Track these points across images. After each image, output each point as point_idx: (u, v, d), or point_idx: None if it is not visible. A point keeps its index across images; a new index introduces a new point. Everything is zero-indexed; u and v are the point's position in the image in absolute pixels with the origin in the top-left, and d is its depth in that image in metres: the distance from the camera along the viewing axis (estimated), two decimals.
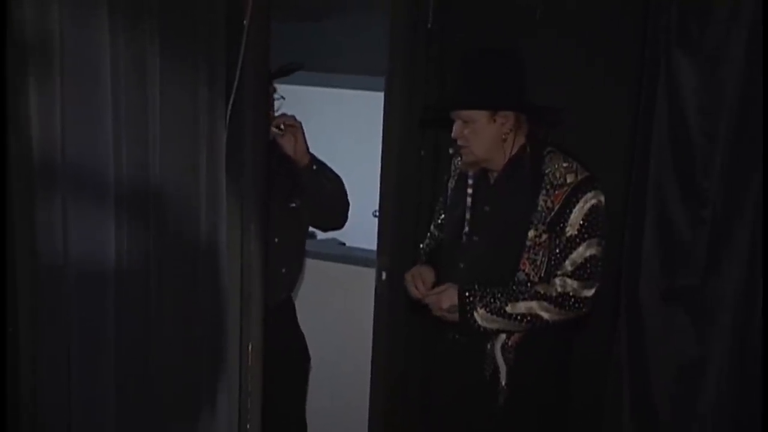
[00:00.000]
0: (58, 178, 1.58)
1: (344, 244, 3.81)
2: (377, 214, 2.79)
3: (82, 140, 1.61)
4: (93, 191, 1.66)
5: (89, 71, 1.61)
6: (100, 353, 1.72)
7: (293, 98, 2.54)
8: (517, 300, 2.15)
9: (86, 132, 1.61)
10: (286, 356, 2.65)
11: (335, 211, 2.67)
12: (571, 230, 2.14)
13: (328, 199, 2.60)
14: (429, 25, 2.70)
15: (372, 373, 2.77)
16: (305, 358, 2.84)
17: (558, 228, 2.15)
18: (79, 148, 1.60)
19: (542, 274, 2.18)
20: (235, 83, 1.98)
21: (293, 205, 2.66)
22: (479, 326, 2.18)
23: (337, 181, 2.61)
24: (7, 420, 1.58)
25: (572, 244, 2.14)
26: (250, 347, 2.12)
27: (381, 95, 2.70)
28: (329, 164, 2.64)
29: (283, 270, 2.63)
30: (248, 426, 2.15)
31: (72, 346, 1.67)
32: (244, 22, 1.96)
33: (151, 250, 1.81)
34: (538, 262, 2.18)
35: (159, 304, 1.86)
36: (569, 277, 2.14)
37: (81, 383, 1.70)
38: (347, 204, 2.67)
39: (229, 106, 1.98)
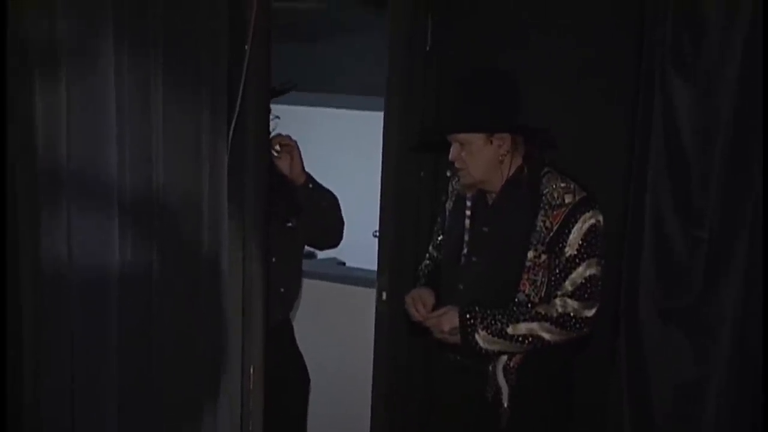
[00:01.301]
0: (63, 197, 1.59)
1: (344, 263, 3.82)
2: (377, 234, 2.80)
3: (86, 162, 1.63)
4: (97, 213, 1.67)
5: (94, 96, 1.63)
6: (102, 369, 1.72)
7: (292, 118, 2.56)
8: (518, 321, 2.15)
9: (91, 154, 1.63)
10: (285, 378, 2.64)
11: (331, 229, 2.69)
12: (570, 250, 2.15)
13: (324, 216, 2.62)
14: (427, 47, 2.73)
15: (373, 395, 2.76)
16: (305, 379, 2.83)
17: (557, 248, 2.16)
18: (83, 169, 1.62)
19: (542, 295, 2.19)
20: (237, 106, 2.00)
21: (290, 224, 2.67)
22: (481, 348, 2.18)
23: (332, 198, 2.64)
24: (10, 426, 1.58)
25: (572, 264, 2.15)
26: (251, 369, 2.12)
27: (381, 115, 2.72)
28: (328, 184, 2.66)
29: (282, 290, 2.63)
30: None
31: (74, 360, 1.68)
32: (246, 47, 1.99)
33: (154, 270, 1.82)
34: (538, 283, 2.19)
35: (161, 323, 1.86)
36: (570, 297, 2.15)
37: (83, 404, 1.70)
38: (342, 222, 2.69)
39: (231, 129, 2.00)
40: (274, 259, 2.47)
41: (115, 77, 1.67)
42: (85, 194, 1.64)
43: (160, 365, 1.87)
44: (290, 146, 2.51)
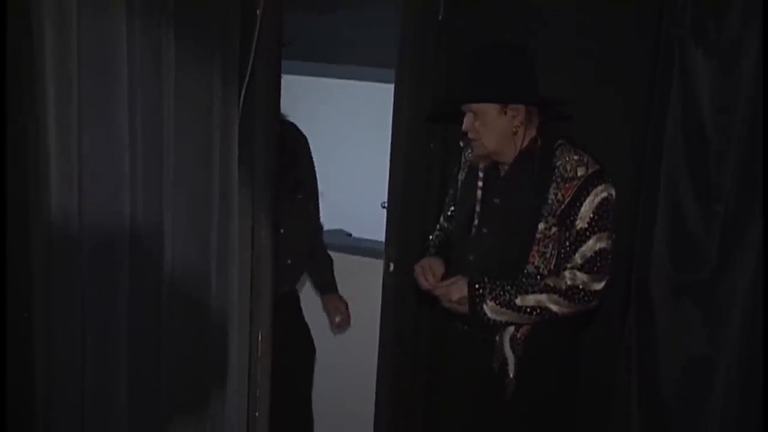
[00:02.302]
0: (74, 163, 1.58)
1: (350, 235, 3.80)
2: (386, 205, 2.80)
3: (98, 129, 1.62)
4: (109, 177, 1.66)
5: (106, 61, 1.61)
6: (112, 346, 1.72)
7: (303, 89, 2.55)
8: (526, 293, 2.15)
9: (103, 122, 1.62)
10: (292, 349, 2.66)
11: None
12: (581, 223, 2.15)
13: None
14: (440, 17, 2.69)
15: (379, 365, 2.77)
16: (311, 350, 2.85)
17: (568, 221, 2.15)
18: (95, 136, 1.61)
19: (552, 267, 2.18)
20: (248, 72, 1.98)
21: (300, 196, 2.67)
22: (489, 318, 2.18)
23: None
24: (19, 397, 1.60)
25: (582, 237, 2.15)
26: (260, 336, 2.13)
27: (391, 87, 2.70)
28: (338, 155, 2.68)
29: (288, 261, 2.63)
30: (257, 414, 2.16)
31: (85, 329, 1.68)
32: (258, 12, 1.96)
33: (165, 234, 1.82)
34: (548, 255, 2.18)
35: (171, 287, 1.87)
36: (579, 270, 2.15)
37: (93, 378, 1.70)
38: None
39: (242, 95, 1.98)
40: (282, 230, 2.47)
41: (127, 46, 1.65)
42: (97, 161, 1.63)
43: (169, 330, 1.87)
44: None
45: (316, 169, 2.81)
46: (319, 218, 2.91)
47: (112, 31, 1.61)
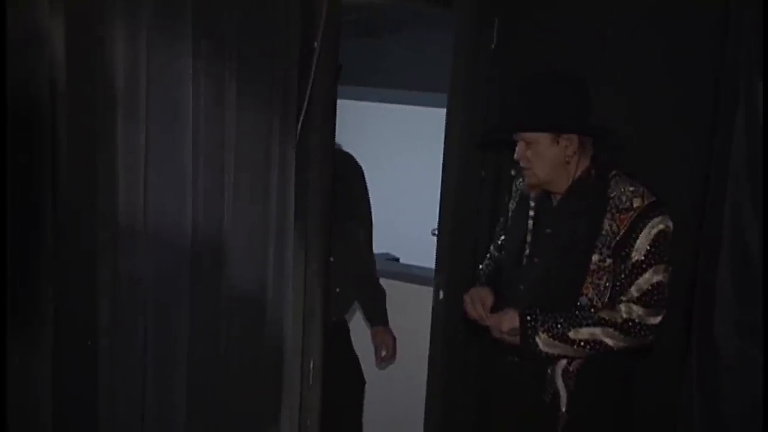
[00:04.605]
0: (140, 193, 1.63)
1: (398, 259, 3.80)
2: (436, 232, 2.79)
3: (163, 164, 1.66)
4: (172, 209, 1.70)
5: (172, 100, 1.66)
6: (172, 376, 1.75)
7: (356, 113, 2.56)
8: (580, 325, 2.12)
9: (167, 157, 1.66)
10: (341, 380, 2.65)
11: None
12: (637, 255, 2.11)
13: None
14: (493, 45, 2.69)
15: (427, 394, 2.75)
16: (360, 381, 2.84)
17: (623, 253, 2.12)
18: (160, 170, 1.65)
19: (606, 300, 2.14)
20: (305, 106, 2.00)
21: (351, 225, 2.68)
22: (540, 351, 2.15)
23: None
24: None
25: (638, 269, 2.10)
26: (311, 364, 2.14)
27: (444, 112, 2.70)
28: (389, 180, 2.68)
29: (337, 290, 2.63)
30: None
31: (146, 355, 1.71)
32: (315, 44, 1.98)
33: (222, 272, 1.85)
34: (602, 287, 2.14)
35: (228, 317, 1.89)
36: (635, 303, 2.10)
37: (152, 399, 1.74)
38: None
39: (298, 128, 2.01)
40: (332, 259, 2.47)
41: (192, 87, 1.69)
42: (162, 192, 1.67)
43: (226, 360, 1.89)
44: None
45: (370, 201, 2.81)
46: (371, 250, 2.90)
47: (178, 75, 1.66)
